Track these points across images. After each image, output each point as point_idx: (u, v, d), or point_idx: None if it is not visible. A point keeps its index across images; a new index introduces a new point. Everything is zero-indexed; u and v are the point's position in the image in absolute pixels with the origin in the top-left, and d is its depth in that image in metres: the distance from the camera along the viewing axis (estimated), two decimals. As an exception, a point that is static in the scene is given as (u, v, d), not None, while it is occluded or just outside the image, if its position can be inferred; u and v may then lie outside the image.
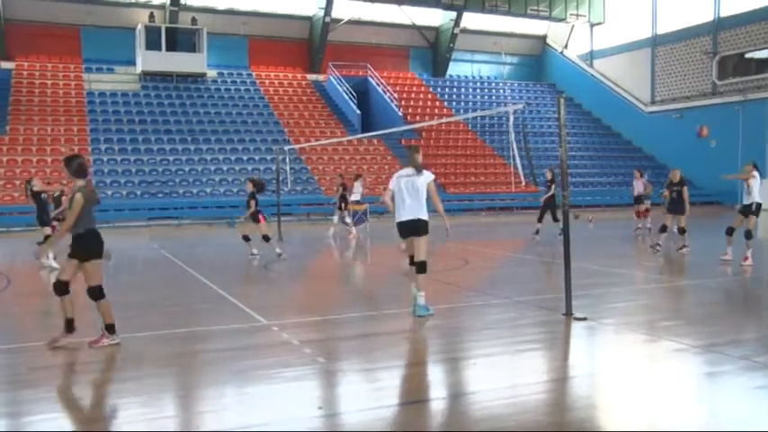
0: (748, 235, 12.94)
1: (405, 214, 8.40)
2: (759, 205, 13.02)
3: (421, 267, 8.48)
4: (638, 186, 21.07)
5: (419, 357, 6.95)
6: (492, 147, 37.28)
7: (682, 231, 15.18)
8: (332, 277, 13.21)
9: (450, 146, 36.60)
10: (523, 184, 10.49)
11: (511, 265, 14.85)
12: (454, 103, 41.29)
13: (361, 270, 14.57)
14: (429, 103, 40.47)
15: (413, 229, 8.44)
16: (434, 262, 15.59)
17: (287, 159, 23.30)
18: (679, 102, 38.15)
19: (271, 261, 15.25)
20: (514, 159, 10.01)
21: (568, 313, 8.30)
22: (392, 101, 37.41)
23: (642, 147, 40.50)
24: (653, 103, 39.92)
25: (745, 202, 13.08)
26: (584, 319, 8.12)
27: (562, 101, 8.63)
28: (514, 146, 10.09)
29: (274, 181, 24.50)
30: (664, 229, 15.38)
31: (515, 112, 9.20)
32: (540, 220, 18.99)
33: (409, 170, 8.54)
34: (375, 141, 34.88)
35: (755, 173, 13.04)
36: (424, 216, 8.42)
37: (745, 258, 12.67)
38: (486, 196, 31.81)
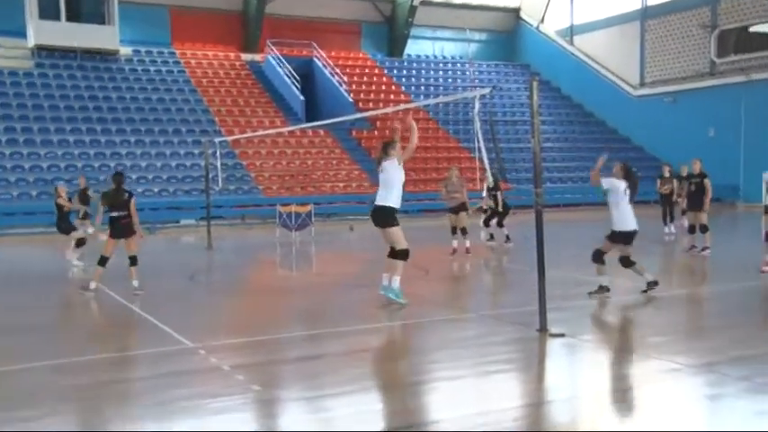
0: None
1: None
2: None
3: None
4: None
5: (372, 382, 6.97)
6: (456, 138, 37.55)
7: (704, 229, 15.64)
8: (270, 291, 13.15)
9: (409, 137, 36.72)
10: (491, 180, 10.59)
11: (478, 274, 14.97)
12: (413, 88, 41.46)
13: (305, 282, 14.54)
14: (384, 88, 40.56)
15: None
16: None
17: (218, 153, 23.12)
18: (672, 84, 38.79)
19: (197, 271, 15.13)
20: (480, 152, 10.09)
21: (543, 329, 8.41)
22: (341, 85, 37.43)
23: (630, 136, 41.12)
24: (642, 85, 40.58)
25: None
26: (562, 335, 8.24)
27: (535, 84, 8.76)
28: (480, 137, 10.18)
29: (202, 179, 24.27)
30: (692, 229, 15.90)
31: (482, 97, 9.25)
32: (487, 224, 19.29)
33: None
34: (321, 132, 34.83)
35: None
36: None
37: None
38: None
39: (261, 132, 29.67)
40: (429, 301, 11.02)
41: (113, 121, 32.05)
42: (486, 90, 10.21)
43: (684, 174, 18.37)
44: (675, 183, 20.08)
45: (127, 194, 12.32)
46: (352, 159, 33.42)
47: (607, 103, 42.10)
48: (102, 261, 12.29)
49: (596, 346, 8.03)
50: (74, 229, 16.48)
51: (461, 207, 16.68)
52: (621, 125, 41.63)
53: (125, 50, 36.54)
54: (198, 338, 8.55)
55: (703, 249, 15.52)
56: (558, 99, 44.26)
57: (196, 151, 30.71)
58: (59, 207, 16.25)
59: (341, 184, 31.47)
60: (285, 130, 30.48)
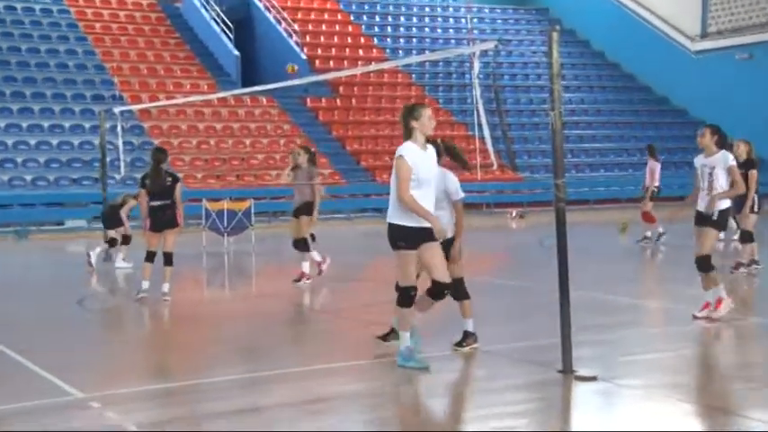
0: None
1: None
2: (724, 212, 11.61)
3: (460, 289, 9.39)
4: (656, 172, 21.32)
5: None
6: (448, 110, 37.59)
7: (746, 238, 15.57)
8: (193, 319, 13.07)
9: (383, 108, 36.79)
10: (495, 167, 10.51)
11: (477, 294, 14.96)
12: (389, 41, 41.48)
13: (241, 306, 14.48)
14: (349, 41, 40.54)
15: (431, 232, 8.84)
16: (360, 292, 15.62)
17: (119, 128, 22.91)
18: (747, 33, 38.94)
19: (89, 294, 15.03)
20: (482, 129, 10.10)
21: (568, 370, 8.43)
22: (291, 36, 37.33)
23: (687, 107, 41.29)
24: (705, 36, 40.71)
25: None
26: (593, 378, 8.25)
27: (556, 36, 8.75)
28: (482, 109, 10.19)
29: (96, 164, 24.08)
30: (748, 237, 15.67)
31: (484, 54, 9.26)
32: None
33: (421, 144, 8.86)
34: (263, 100, 34.73)
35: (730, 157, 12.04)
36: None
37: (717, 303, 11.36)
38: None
39: (180, 99, 29.49)
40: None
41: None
42: (490, 44, 10.19)
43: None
44: None
45: (171, 179, 13.50)
46: (306, 137, 33.32)
47: (655, 61, 42.15)
48: (150, 256, 13.69)
49: (640, 393, 8.04)
50: None
51: (306, 208, 15.27)
52: (675, 91, 41.81)
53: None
54: (90, 386, 8.46)
55: (738, 266, 15.45)
56: (587, 56, 44.48)
57: (87, 125, 30.55)
58: None
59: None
60: (214, 96, 30.32)
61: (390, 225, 8.86)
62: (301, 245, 15.27)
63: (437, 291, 8.93)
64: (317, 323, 12.17)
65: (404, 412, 7.76)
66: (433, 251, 8.77)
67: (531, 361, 9.15)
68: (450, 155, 9.48)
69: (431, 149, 8.91)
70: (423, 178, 8.62)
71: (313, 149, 17.23)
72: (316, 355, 9.94)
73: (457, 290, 9.47)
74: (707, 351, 9.95)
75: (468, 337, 9.71)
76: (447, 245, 9.25)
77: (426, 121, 8.73)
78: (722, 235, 19.55)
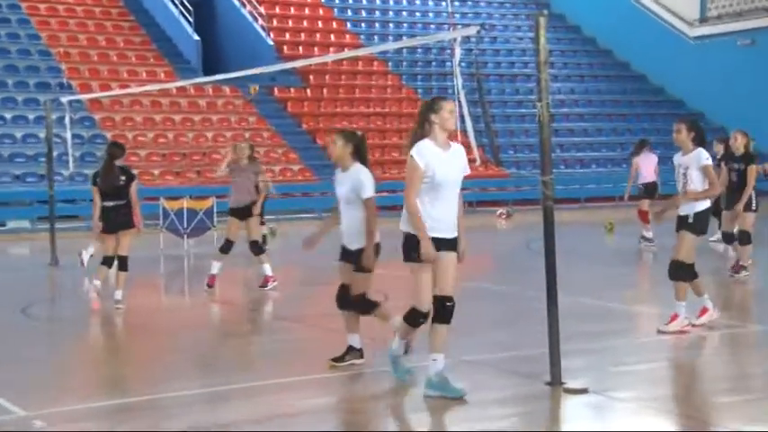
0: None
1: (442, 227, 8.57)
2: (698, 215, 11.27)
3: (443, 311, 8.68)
4: (649, 167, 21.22)
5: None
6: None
7: (743, 239, 15.59)
8: (149, 328, 13.03)
9: (358, 99, 36.74)
10: (478, 163, 10.44)
11: (460, 300, 14.95)
12: (364, 26, 41.44)
13: (202, 314, 14.45)
14: (321, 25, 40.47)
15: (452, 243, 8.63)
16: (327, 297, 15.57)
17: (67, 120, 22.82)
18: (749, 18, 38.97)
19: (34, 301, 14.94)
20: (464, 122, 10.11)
21: (557, 382, 8.44)
22: (256, 20, 37.24)
23: (684, 98, 41.37)
24: (704, 21, 40.80)
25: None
26: (583, 391, 8.27)
27: (543, 21, 8.76)
28: (463, 99, 10.20)
29: (42, 159, 23.97)
30: (729, 238, 15.68)
31: (466, 40, 9.24)
32: None
33: (442, 142, 8.60)
34: (227, 90, 34.63)
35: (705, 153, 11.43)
36: None
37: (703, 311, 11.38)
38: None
39: (134, 89, 29.37)
40: (386, 341, 10.99)
41: None
42: (472, 30, 10.21)
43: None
44: (723, 168, 17.20)
45: (125, 177, 13.38)
46: (274, 131, 33.29)
47: (650, 48, 42.14)
48: (107, 261, 13.74)
49: (633, 406, 8.06)
50: None
51: (250, 209, 15.29)
52: (672, 80, 41.86)
53: None
54: (34, 403, 8.42)
55: (739, 270, 15.33)
56: (577, 43, 44.52)
57: (31, 116, 30.47)
58: None
59: (255, 168, 31.31)
60: (172, 85, 30.21)
61: (404, 234, 8.59)
62: (255, 248, 15.30)
63: (438, 307, 8.61)
64: (281, 332, 12.14)
65: (380, 426, 7.74)
66: (443, 264, 8.52)
67: (517, 372, 9.17)
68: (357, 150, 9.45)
69: (456, 148, 8.65)
70: (440, 181, 8.35)
71: (254, 144, 17.42)
72: (280, 367, 9.92)
73: (355, 303, 9.57)
74: (703, 361, 9.99)
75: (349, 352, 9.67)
76: (358, 255, 9.31)
77: (447, 114, 8.59)
78: (719, 235, 19.68)
